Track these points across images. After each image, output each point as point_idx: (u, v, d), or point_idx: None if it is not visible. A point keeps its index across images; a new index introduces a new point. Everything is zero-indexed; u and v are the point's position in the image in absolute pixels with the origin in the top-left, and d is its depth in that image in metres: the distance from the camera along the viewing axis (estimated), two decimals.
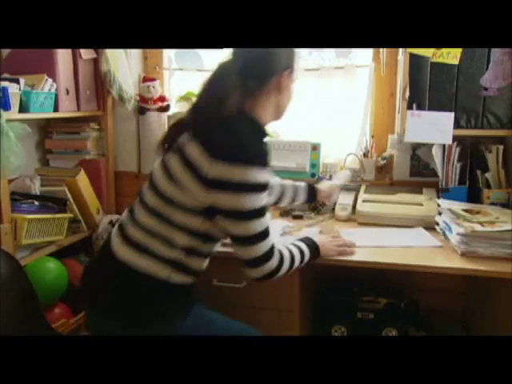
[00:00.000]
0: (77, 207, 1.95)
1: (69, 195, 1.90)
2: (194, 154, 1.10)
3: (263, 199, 1.13)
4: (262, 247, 1.16)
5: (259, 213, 1.13)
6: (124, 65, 2.04)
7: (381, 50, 1.99)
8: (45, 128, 2.11)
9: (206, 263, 1.24)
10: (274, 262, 1.19)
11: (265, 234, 1.15)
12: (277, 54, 1.20)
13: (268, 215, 1.17)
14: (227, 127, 1.12)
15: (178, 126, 1.21)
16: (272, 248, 1.18)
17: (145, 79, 2.14)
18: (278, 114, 1.27)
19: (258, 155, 1.11)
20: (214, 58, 2.15)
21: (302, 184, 1.73)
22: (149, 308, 1.15)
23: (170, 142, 1.20)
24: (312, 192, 1.74)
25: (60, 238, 1.84)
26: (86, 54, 1.95)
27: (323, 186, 1.77)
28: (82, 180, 1.98)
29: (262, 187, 1.11)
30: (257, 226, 1.13)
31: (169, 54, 2.24)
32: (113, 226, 2.05)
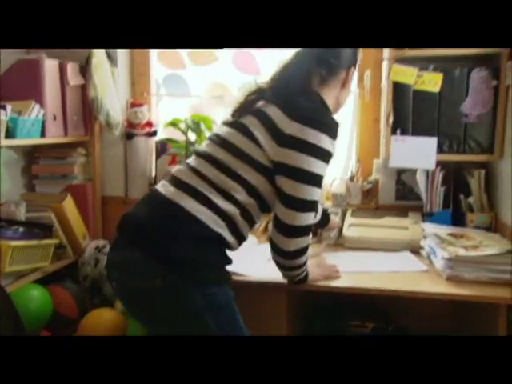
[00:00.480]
0: (63, 233, 1.93)
1: (55, 221, 1.89)
2: (273, 113, 1.19)
3: (325, 170, 1.21)
4: (306, 218, 1.20)
5: (318, 181, 1.20)
6: (112, 91, 2.05)
7: (365, 76, 2.04)
8: (31, 154, 2.10)
9: (249, 231, 1.27)
10: (308, 240, 1.24)
11: (313, 207, 1.21)
12: (346, 51, 1.31)
13: (320, 192, 1.23)
14: (305, 98, 1.22)
15: (255, 95, 1.27)
16: (310, 227, 1.24)
17: (132, 105, 2.15)
18: (335, 107, 1.34)
19: (332, 127, 1.20)
20: (200, 84, 2.21)
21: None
22: (201, 256, 1.14)
23: (246, 107, 1.25)
24: (326, 218, 1.71)
25: (45, 264, 1.82)
26: (73, 80, 1.97)
27: (332, 217, 1.76)
28: (69, 205, 1.96)
29: (328, 157, 1.19)
30: (313, 193, 1.19)
31: (157, 80, 2.26)
32: (99, 251, 2.04)
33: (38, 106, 1.79)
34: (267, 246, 1.74)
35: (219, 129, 1.28)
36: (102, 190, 2.20)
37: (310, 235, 1.25)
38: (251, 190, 1.19)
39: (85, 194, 2.11)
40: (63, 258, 1.95)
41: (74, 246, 1.99)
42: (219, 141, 1.23)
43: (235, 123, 1.23)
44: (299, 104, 1.19)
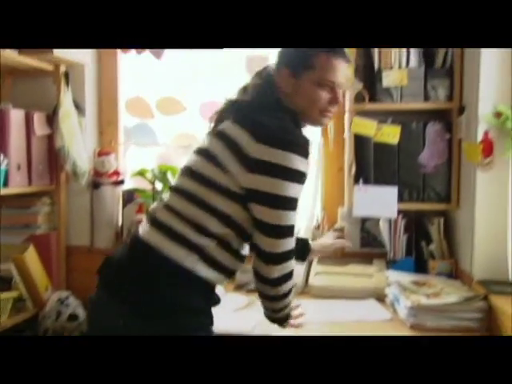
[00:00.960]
0: (23, 285, 1.87)
1: (15, 273, 1.83)
2: (237, 135, 1.12)
3: (299, 191, 1.13)
4: (287, 243, 1.14)
5: (294, 205, 1.12)
6: (79, 140, 2.06)
7: (328, 127, 2.11)
8: None
9: (235, 262, 1.19)
10: (291, 265, 1.18)
11: (292, 231, 1.15)
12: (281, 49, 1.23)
13: (297, 214, 1.16)
14: (270, 115, 1.14)
15: (218, 116, 1.22)
16: (292, 251, 1.17)
17: (99, 153, 2.16)
18: (302, 116, 1.22)
19: (302, 145, 1.12)
20: (168, 133, 2.24)
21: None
22: (175, 300, 1.09)
23: (212, 129, 1.21)
24: (304, 249, 1.50)
25: (2, 319, 1.74)
26: (40, 130, 1.97)
27: (320, 243, 1.55)
28: (31, 256, 1.91)
29: (302, 177, 1.12)
30: (288, 217, 1.12)
31: (125, 128, 2.27)
32: (62, 303, 1.97)
33: (1, 156, 1.78)
34: (234, 296, 1.74)
35: (189, 159, 1.23)
36: (66, 240, 2.16)
37: (293, 262, 1.18)
38: (225, 219, 1.13)
39: (48, 244, 2.06)
40: (22, 312, 1.88)
41: (34, 298, 1.92)
42: (187, 171, 1.18)
43: (200, 150, 1.19)
44: (264, 124, 1.12)
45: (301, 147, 1.11)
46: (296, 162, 1.09)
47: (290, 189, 1.10)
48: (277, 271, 1.15)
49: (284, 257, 1.15)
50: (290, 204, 1.12)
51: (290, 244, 1.16)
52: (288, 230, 1.14)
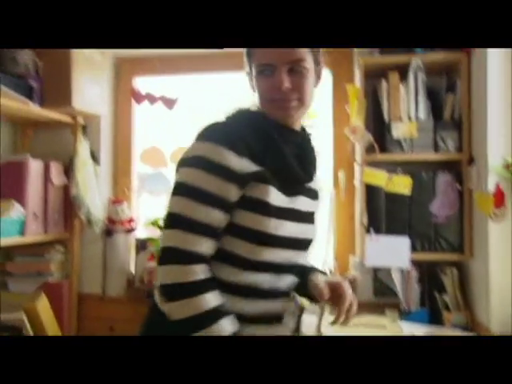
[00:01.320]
0: (34, 334, 1.87)
1: (26, 322, 1.83)
2: None
3: (208, 181, 0.96)
4: (178, 237, 0.95)
5: (191, 192, 0.96)
6: (94, 188, 2.10)
7: (339, 177, 2.14)
8: (7, 250, 2.08)
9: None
10: (183, 274, 0.94)
11: (190, 226, 0.95)
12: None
13: (217, 215, 0.96)
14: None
15: None
16: (183, 253, 0.94)
17: (113, 202, 2.20)
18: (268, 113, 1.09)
19: (215, 131, 1.01)
20: None
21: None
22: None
23: None
24: (302, 279, 1.20)
25: None
26: (57, 180, 2.02)
27: (327, 280, 1.20)
28: (42, 305, 1.92)
29: (208, 165, 0.96)
30: (185, 206, 0.95)
31: (139, 173, 2.32)
32: None
33: (18, 206, 1.82)
34: None
35: None
36: (78, 288, 2.17)
37: (193, 271, 0.94)
38: None
39: (60, 292, 2.07)
40: None
41: None
42: None
43: None
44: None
45: (216, 135, 0.99)
46: (198, 149, 0.99)
47: (188, 175, 0.97)
48: (161, 274, 0.96)
49: (170, 255, 0.95)
50: (186, 190, 0.96)
51: (180, 239, 0.95)
52: (179, 219, 0.95)
